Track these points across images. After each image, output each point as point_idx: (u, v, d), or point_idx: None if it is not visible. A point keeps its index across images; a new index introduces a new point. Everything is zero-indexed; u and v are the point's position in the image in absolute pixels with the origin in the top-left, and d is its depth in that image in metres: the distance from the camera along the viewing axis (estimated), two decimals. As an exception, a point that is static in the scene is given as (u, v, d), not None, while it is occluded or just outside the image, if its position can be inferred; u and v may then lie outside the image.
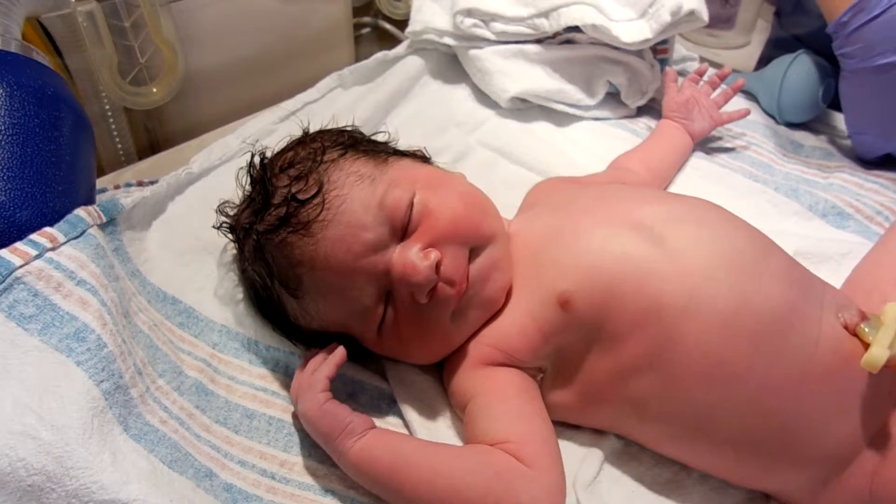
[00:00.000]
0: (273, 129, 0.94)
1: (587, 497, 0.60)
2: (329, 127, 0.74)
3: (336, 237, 0.60)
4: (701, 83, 1.03)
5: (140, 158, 1.02)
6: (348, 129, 0.74)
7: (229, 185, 0.72)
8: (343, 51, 1.26)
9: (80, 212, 0.62)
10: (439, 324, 0.63)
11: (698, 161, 1.00)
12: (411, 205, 0.62)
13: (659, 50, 1.09)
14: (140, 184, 0.88)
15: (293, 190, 0.62)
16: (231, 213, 0.71)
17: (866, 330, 0.57)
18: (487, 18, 1.07)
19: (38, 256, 0.56)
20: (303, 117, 0.84)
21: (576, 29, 1.04)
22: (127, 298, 0.62)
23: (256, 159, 0.69)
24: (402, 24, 1.22)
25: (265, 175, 0.65)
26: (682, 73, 1.15)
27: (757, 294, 0.58)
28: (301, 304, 0.64)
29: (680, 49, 1.21)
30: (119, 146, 1.01)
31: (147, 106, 0.98)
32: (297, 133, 0.72)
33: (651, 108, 1.10)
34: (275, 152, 0.70)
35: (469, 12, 1.06)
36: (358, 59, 1.14)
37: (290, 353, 0.69)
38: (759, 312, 0.57)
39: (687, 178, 0.96)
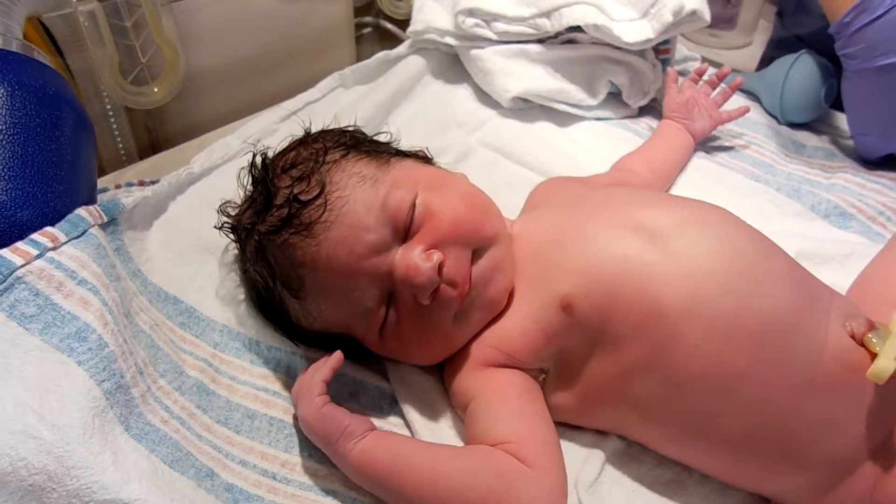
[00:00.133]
0: (274, 128, 0.94)
1: (589, 498, 0.60)
2: (331, 127, 0.74)
3: (338, 238, 0.60)
4: (700, 83, 1.03)
5: (141, 158, 1.02)
6: (350, 129, 0.74)
7: (230, 185, 0.72)
8: (344, 51, 1.26)
9: (81, 211, 0.62)
10: (441, 325, 0.63)
11: (700, 161, 1.00)
12: (413, 206, 0.62)
13: (661, 50, 1.09)
14: (141, 183, 0.88)
15: (295, 191, 0.62)
16: (232, 214, 0.71)
17: (874, 340, 0.56)
18: (489, 18, 1.06)
19: (39, 256, 0.56)
20: (304, 117, 0.84)
21: (578, 29, 1.04)
22: (128, 298, 0.62)
23: (258, 159, 0.69)
24: (404, 23, 1.22)
25: (267, 175, 0.65)
26: (683, 73, 1.15)
27: (758, 297, 0.58)
28: (303, 304, 0.64)
29: (682, 49, 1.21)
30: (120, 146, 1.01)
31: (148, 105, 0.98)
32: (299, 133, 0.72)
33: (653, 108, 1.10)
34: (276, 152, 0.70)
35: (471, 12, 1.06)
36: (359, 59, 1.14)
37: (292, 353, 0.69)
38: (761, 315, 0.57)
39: (689, 179, 0.96)
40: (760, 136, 1.06)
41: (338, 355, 0.62)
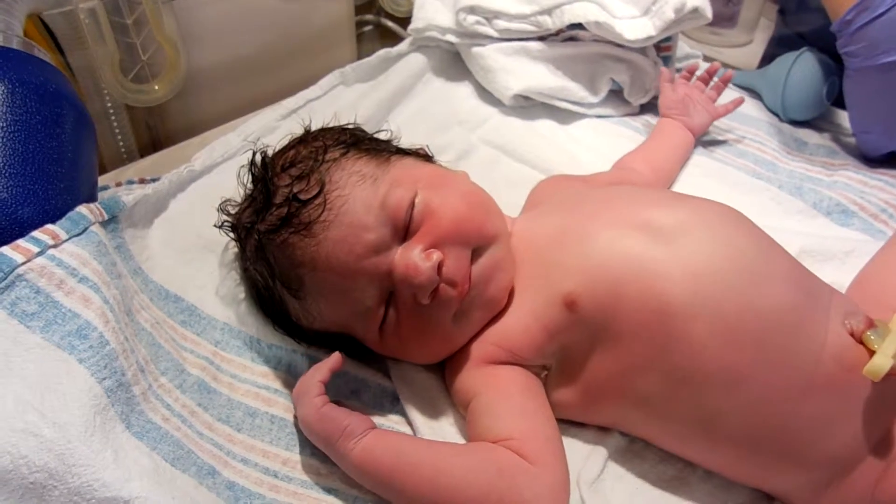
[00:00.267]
0: (275, 126, 0.94)
1: (591, 494, 0.59)
2: (331, 125, 0.74)
3: (338, 238, 0.60)
4: (692, 80, 1.03)
5: (142, 156, 1.02)
6: (350, 127, 0.74)
7: (231, 183, 0.72)
8: (345, 48, 1.26)
9: (82, 209, 0.62)
10: (441, 324, 0.63)
11: (702, 159, 1.00)
12: (412, 205, 0.62)
13: (662, 47, 1.09)
14: (142, 181, 0.88)
15: (294, 190, 0.62)
16: (232, 212, 0.70)
17: (872, 338, 0.57)
18: (490, 16, 1.06)
19: (40, 253, 0.56)
20: (305, 115, 0.84)
21: (579, 26, 1.04)
22: (129, 296, 0.62)
23: (258, 157, 0.69)
24: (405, 21, 1.22)
25: (266, 174, 0.65)
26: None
27: (762, 297, 0.58)
28: (303, 304, 0.64)
29: (683, 47, 1.21)
30: (121, 143, 1.01)
31: (149, 103, 0.98)
32: (299, 131, 0.72)
33: (654, 106, 1.09)
34: (276, 151, 0.70)
35: (472, 9, 1.06)
36: (360, 56, 1.14)
37: (293, 351, 0.69)
38: (764, 315, 0.57)
39: (690, 176, 0.96)
40: (762, 133, 1.05)
41: (336, 356, 0.62)
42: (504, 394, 0.62)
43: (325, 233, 0.60)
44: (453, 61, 1.14)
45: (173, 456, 0.55)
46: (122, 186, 0.86)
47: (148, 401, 0.57)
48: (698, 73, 1.04)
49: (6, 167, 0.59)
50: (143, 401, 0.56)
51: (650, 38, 1.01)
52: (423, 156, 0.75)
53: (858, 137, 0.99)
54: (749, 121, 1.07)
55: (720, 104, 1.02)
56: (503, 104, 1.07)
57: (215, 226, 0.72)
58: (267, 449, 0.62)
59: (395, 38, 1.33)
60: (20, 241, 0.56)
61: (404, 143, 0.75)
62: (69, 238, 0.58)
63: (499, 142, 1.00)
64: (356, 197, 0.61)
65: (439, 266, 0.60)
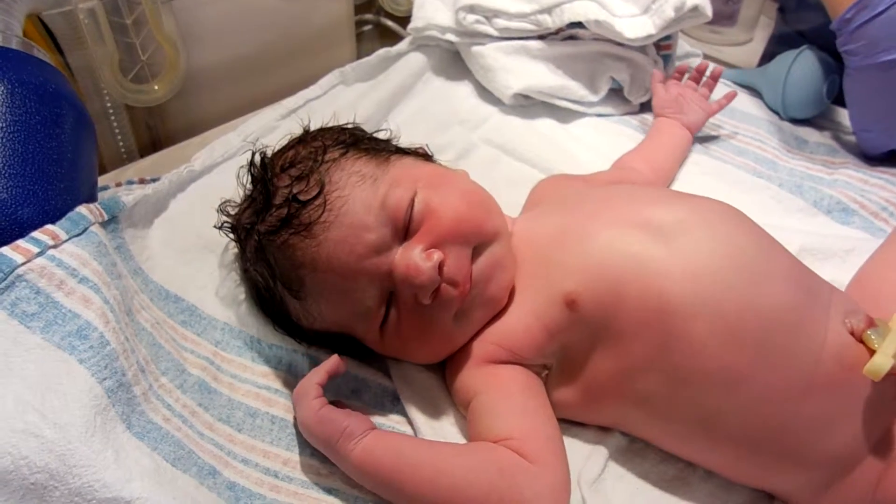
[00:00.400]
0: (275, 126, 0.94)
1: (592, 494, 0.59)
2: (330, 125, 0.74)
3: (338, 239, 0.60)
4: (684, 80, 1.04)
5: (142, 156, 1.02)
6: (349, 126, 0.74)
7: (231, 183, 0.72)
8: (345, 48, 1.26)
9: (81, 209, 0.62)
10: (442, 324, 0.63)
11: (702, 157, 1.00)
12: (412, 204, 0.62)
13: (662, 46, 1.09)
14: (142, 181, 0.87)
15: (294, 190, 0.62)
16: (232, 213, 0.70)
17: (872, 337, 0.56)
18: (490, 14, 1.06)
19: (40, 254, 0.55)
20: (304, 114, 0.84)
21: (579, 25, 1.04)
22: (129, 296, 0.62)
23: (257, 158, 0.68)
24: (404, 20, 1.22)
25: (266, 175, 0.65)
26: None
27: (762, 296, 0.58)
28: (303, 304, 0.63)
29: (683, 45, 1.21)
30: (121, 144, 1.01)
31: (149, 103, 0.98)
32: (299, 131, 0.72)
33: (654, 105, 1.10)
34: (275, 151, 0.69)
35: (472, 8, 1.06)
36: (360, 56, 1.14)
37: (294, 350, 0.69)
38: (764, 314, 0.57)
39: (690, 175, 0.96)
40: (763, 132, 1.05)
41: (334, 359, 0.62)
42: (504, 393, 0.62)
43: (325, 233, 0.60)
44: (453, 60, 1.14)
45: (174, 456, 0.55)
46: (122, 187, 0.86)
47: (148, 401, 0.57)
48: (688, 73, 1.04)
49: (6, 168, 0.59)
50: (143, 401, 0.56)
51: (650, 36, 1.01)
52: (423, 155, 0.75)
53: (859, 136, 0.99)
54: (749, 119, 1.07)
55: (713, 101, 1.02)
56: (503, 103, 1.07)
57: (215, 227, 0.71)
58: (267, 449, 0.62)
59: (394, 38, 1.33)
60: (20, 242, 0.56)
61: (404, 142, 0.75)
62: (69, 238, 0.58)
63: (499, 141, 1.00)
64: (356, 197, 0.61)
65: (440, 266, 0.59)
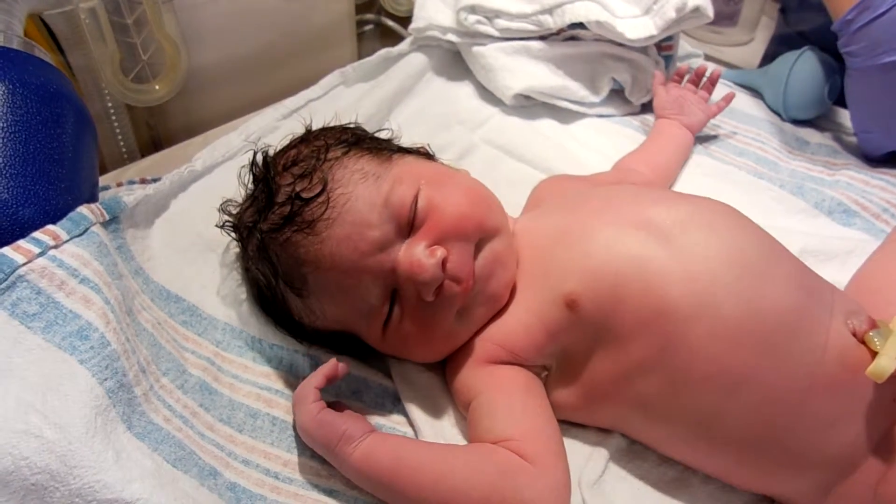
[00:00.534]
0: (276, 126, 0.94)
1: (592, 496, 0.59)
2: (332, 124, 0.74)
3: (341, 236, 0.60)
4: (683, 82, 1.04)
5: (142, 156, 1.02)
6: (351, 126, 0.74)
7: (232, 183, 0.72)
8: (346, 48, 1.26)
9: (83, 209, 0.61)
10: (444, 322, 0.63)
11: (703, 158, 1.00)
12: (416, 201, 0.62)
13: (663, 47, 1.08)
14: (143, 181, 0.87)
15: (297, 188, 0.62)
16: (234, 212, 0.70)
17: (875, 339, 0.56)
18: (491, 15, 1.06)
19: (41, 254, 0.55)
20: (305, 114, 0.84)
21: (580, 25, 1.03)
22: (130, 297, 0.62)
23: (259, 157, 0.68)
24: (405, 20, 1.22)
25: (268, 173, 0.65)
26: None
27: (764, 299, 0.57)
28: (306, 303, 0.63)
29: (684, 46, 1.21)
30: (121, 143, 1.01)
31: (150, 103, 0.98)
32: (300, 131, 0.72)
33: (655, 106, 1.10)
34: (277, 150, 0.69)
35: (473, 9, 1.06)
36: (360, 56, 1.14)
37: (295, 351, 0.69)
38: (766, 318, 0.57)
39: (691, 176, 0.96)
40: (764, 132, 1.05)
41: (332, 363, 0.62)
42: (505, 394, 0.62)
43: (328, 230, 0.60)
44: (454, 61, 1.14)
45: (175, 457, 0.55)
46: (123, 186, 0.86)
47: (149, 402, 0.57)
48: (688, 76, 1.04)
49: (7, 168, 0.58)
50: (144, 402, 0.56)
51: (651, 37, 1.01)
52: (425, 154, 0.75)
53: (860, 137, 0.99)
54: (750, 120, 1.07)
55: (714, 102, 1.02)
56: (504, 104, 1.07)
57: (217, 226, 0.71)
58: (268, 450, 0.62)
59: (395, 38, 1.33)
60: (21, 242, 0.56)
61: (405, 142, 0.75)
62: (70, 239, 0.58)
63: (500, 141, 1.00)
64: (359, 194, 0.61)
65: (444, 262, 0.60)
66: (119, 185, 0.87)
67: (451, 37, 1.09)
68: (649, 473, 0.63)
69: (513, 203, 0.79)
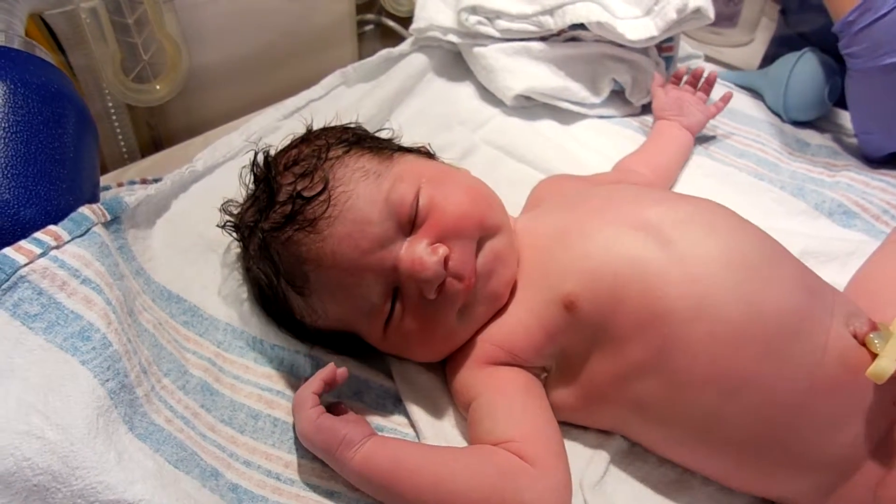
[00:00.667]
0: (277, 126, 0.94)
1: (594, 497, 0.59)
2: (333, 124, 0.74)
3: (343, 234, 0.60)
4: (681, 84, 1.04)
5: (143, 156, 1.02)
6: (352, 126, 0.74)
7: (233, 183, 0.72)
8: (346, 48, 1.26)
9: (84, 210, 0.61)
10: (445, 320, 0.63)
11: (703, 160, 1.00)
12: (417, 199, 0.62)
13: (664, 48, 1.09)
14: (144, 182, 0.87)
15: (298, 187, 0.62)
16: (235, 212, 0.70)
17: (875, 341, 0.56)
18: (492, 15, 1.06)
19: (42, 255, 0.55)
20: (306, 115, 0.84)
21: (581, 26, 1.03)
22: (132, 297, 0.62)
23: (260, 157, 0.68)
24: (406, 21, 1.21)
25: (269, 173, 0.65)
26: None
27: (765, 302, 0.57)
28: (307, 301, 0.63)
29: (685, 47, 1.21)
30: (122, 144, 1.01)
31: (150, 103, 0.98)
32: (301, 131, 0.72)
33: (655, 107, 1.10)
34: (278, 150, 0.69)
35: (474, 9, 1.06)
36: (361, 56, 1.14)
37: (296, 351, 0.68)
38: (768, 320, 0.57)
39: (691, 177, 0.96)
40: (764, 134, 1.05)
41: (330, 367, 0.62)
42: (504, 395, 0.62)
43: (330, 229, 0.60)
44: (455, 61, 1.14)
45: (176, 458, 0.55)
46: (124, 187, 0.86)
47: (151, 402, 0.57)
48: (686, 77, 1.04)
49: (8, 168, 0.58)
50: (146, 402, 0.56)
51: (652, 38, 1.01)
52: (426, 153, 0.75)
53: (860, 138, 0.99)
54: (751, 121, 1.07)
55: (713, 103, 1.02)
56: (505, 104, 1.07)
57: (218, 226, 0.71)
58: (269, 452, 0.62)
59: (396, 38, 1.33)
60: (22, 243, 0.56)
61: (406, 142, 0.75)
62: (71, 239, 0.58)
63: (500, 142, 1.00)
64: (360, 193, 0.61)
65: (445, 260, 0.60)
66: (120, 185, 0.87)
67: (452, 37, 1.09)
68: (650, 475, 0.63)
69: (513, 203, 0.79)
